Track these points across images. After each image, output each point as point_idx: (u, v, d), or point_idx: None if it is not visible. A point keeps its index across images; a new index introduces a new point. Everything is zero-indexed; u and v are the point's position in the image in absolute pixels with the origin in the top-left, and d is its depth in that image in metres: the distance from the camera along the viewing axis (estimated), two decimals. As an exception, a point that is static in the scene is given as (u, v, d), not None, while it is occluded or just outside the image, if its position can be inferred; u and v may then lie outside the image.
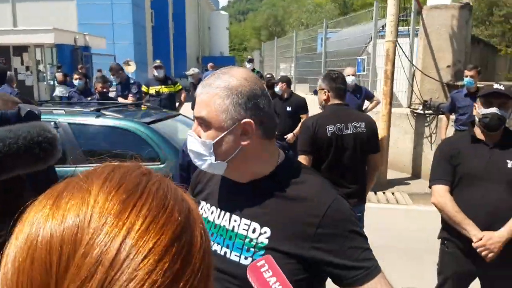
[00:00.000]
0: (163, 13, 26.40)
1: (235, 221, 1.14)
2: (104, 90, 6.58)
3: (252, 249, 1.09)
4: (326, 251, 1.04)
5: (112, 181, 0.44)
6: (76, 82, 7.62)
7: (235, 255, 1.11)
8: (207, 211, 1.22)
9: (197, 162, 1.13)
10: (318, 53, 11.75)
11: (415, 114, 7.05)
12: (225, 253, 1.14)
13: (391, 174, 6.67)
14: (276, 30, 45.35)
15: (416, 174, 6.89)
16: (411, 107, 7.28)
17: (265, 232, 1.08)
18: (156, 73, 7.47)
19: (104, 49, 19.45)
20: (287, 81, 5.90)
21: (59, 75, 15.67)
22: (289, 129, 5.67)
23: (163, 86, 7.44)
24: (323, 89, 3.02)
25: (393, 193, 6.14)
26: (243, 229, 1.11)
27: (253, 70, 8.68)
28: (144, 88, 7.52)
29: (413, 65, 7.25)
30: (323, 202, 1.07)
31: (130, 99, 7.20)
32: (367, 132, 2.96)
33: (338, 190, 1.18)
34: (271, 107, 1.14)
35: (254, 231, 1.10)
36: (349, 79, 5.72)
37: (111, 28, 20.93)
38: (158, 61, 8.00)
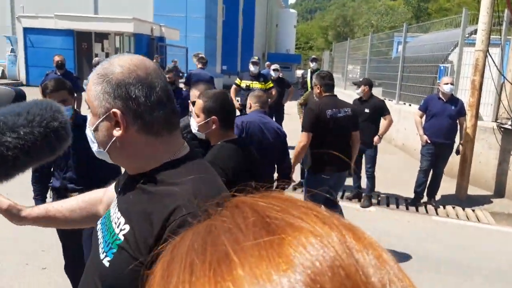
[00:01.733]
0: (234, 8, 26.80)
1: (115, 212, 1.09)
2: (173, 81, 6.76)
3: (110, 245, 1.04)
4: None
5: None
6: None
7: (101, 247, 1.08)
8: (115, 198, 1.19)
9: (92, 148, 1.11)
10: (395, 57, 11.40)
11: (502, 129, 6.64)
12: (100, 242, 1.11)
13: (471, 190, 6.33)
14: (344, 31, 44.55)
15: (499, 192, 6.48)
16: (497, 121, 6.86)
17: (124, 229, 1.02)
18: (252, 68, 7.68)
19: (177, 40, 20.09)
20: (369, 84, 5.79)
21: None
22: (369, 131, 5.57)
23: (254, 82, 7.61)
24: (316, 85, 4.07)
25: (473, 210, 5.82)
26: (114, 222, 1.07)
27: (317, 70, 8.58)
28: (237, 80, 7.80)
29: (503, 76, 6.82)
30: (169, 215, 0.94)
31: None
32: (352, 115, 3.96)
33: (210, 201, 1.06)
34: (159, 99, 1.02)
35: (118, 225, 1.04)
36: (447, 88, 5.55)
37: (185, 21, 21.56)
38: (256, 57, 8.29)
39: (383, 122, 5.73)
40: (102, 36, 17.44)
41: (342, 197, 6.14)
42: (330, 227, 0.32)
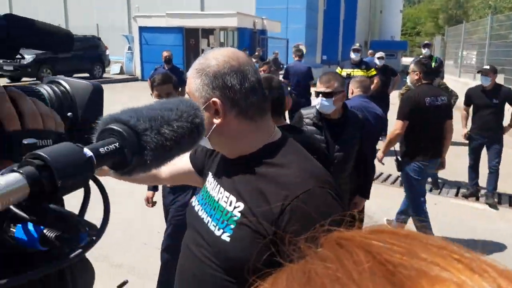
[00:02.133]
0: (335, -4, 26.17)
1: (220, 193, 1.19)
2: (269, 73, 6.82)
3: (225, 222, 1.12)
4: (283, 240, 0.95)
5: None
6: None
7: (213, 225, 1.15)
8: (209, 181, 1.29)
9: None
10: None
11: None
12: (208, 221, 1.18)
13: None
14: (457, 13, 40.97)
15: None
16: None
17: (238, 206, 1.11)
18: (353, 56, 7.48)
19: (277, 32, 20.23)
20: (496, 71, 5.25)
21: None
22: (496, 124, 5.08)
23: (355, 70, 7.38)
24: (415, 72, 4.05)
25: None
26: (224, 201, 1.16)
27: (430, 56, 7.95)
28: (337, 69, 7.63)
29: None
30: (293, 191, 1.04)
31: None
32: (448, 103, 4.00)
33: (325, 180, 1.09)
34: (252, 86, 1.11)
35: (230, 204, 1.13)
36: None
37: (285, 12, 21.59)
38: (357, 44, 8.09)
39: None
40: (208, 32, 18.24)
41: (456, 195, 5.70)
42: (482, 276, 0.23)
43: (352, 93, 3.88)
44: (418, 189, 4.00)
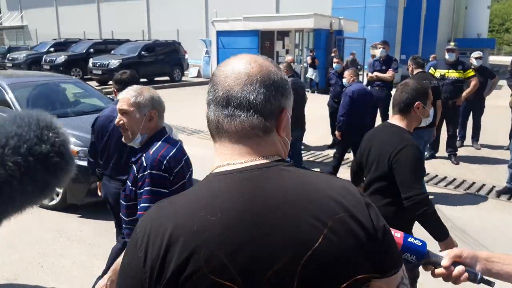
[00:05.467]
0: (416, -7, 24.94)
1: None
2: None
3: None
4: None
5: None
6: (335, 66, 7.93)
7: None
8: None
9: None
10: None
11: None
12: None
13: None
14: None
15: None
16: None
17: None
18: (447, 56, 7.02)
19: (354, 32, 19.70)
20: None
21: (308, 59, 16.74)
22: None
23: (451, 70, 6.93)
24: (409, 65, 5.99)
25: None
26: None
27: None
28: (431, 70, 7.25)
29: None
30: None
31: (390, 73, 7.53)
32: (437, 86, 5.62)
33: None
34: None
35: None
36: None
37: (363, 12, 20.95)
38: (452, 43, 7.65)
39: None
40: (283, 34, 18.22)
41: (488, 194, 5.52)
42: None
43: (350, 81, 5.90)
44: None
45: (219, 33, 19.49)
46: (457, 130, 7.58)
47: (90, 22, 30.39)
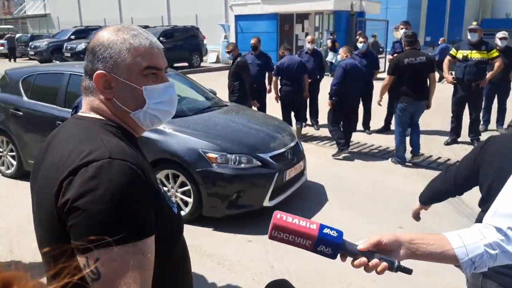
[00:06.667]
0: (442, -28, 24.02)
1: None
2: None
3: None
4: None
5: None
6: (360, 45, 7.61)
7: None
8: None
9: None
10: None
11: None
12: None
13: None
14: None
15: None
16: None
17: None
18: (469, 37, 6.64)
19: (377, 14, 19.15)
20: None
21: (328, 42, 16.36)
22: None
23: (473, 51, 6.58)
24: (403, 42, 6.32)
25: None
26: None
27: None
28: (452, 51, 6.91)
29: None
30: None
31: None
32: (425, 61, 5.81)
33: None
34: None
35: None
36: None
37: (386, -8, 20.35)
38: (474, 23, 7.23)
39: None
40: (302, 17, 17.85)
41: None
42: None
43: (343, 57, 6.36)
44: (399, 121, 5.98)
45: (238, 18, 19.25)
46: (481, 114, 7.26)
47: (111, 9, 30.55)
